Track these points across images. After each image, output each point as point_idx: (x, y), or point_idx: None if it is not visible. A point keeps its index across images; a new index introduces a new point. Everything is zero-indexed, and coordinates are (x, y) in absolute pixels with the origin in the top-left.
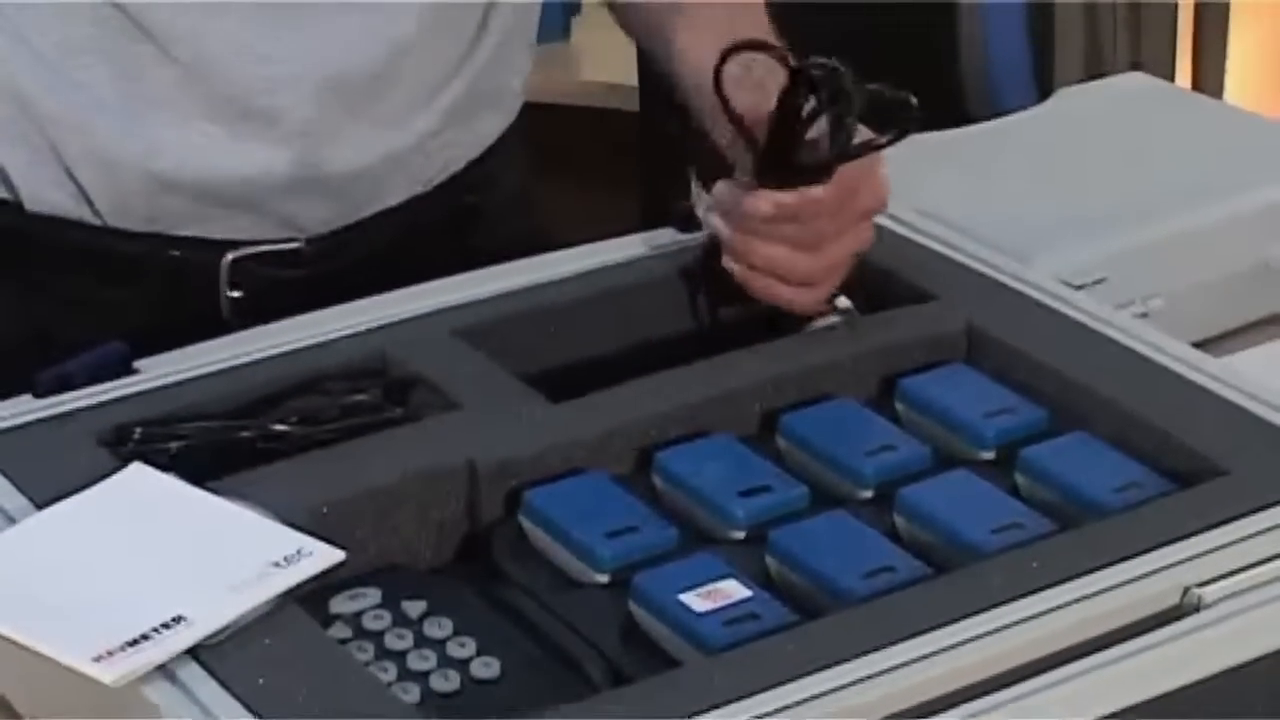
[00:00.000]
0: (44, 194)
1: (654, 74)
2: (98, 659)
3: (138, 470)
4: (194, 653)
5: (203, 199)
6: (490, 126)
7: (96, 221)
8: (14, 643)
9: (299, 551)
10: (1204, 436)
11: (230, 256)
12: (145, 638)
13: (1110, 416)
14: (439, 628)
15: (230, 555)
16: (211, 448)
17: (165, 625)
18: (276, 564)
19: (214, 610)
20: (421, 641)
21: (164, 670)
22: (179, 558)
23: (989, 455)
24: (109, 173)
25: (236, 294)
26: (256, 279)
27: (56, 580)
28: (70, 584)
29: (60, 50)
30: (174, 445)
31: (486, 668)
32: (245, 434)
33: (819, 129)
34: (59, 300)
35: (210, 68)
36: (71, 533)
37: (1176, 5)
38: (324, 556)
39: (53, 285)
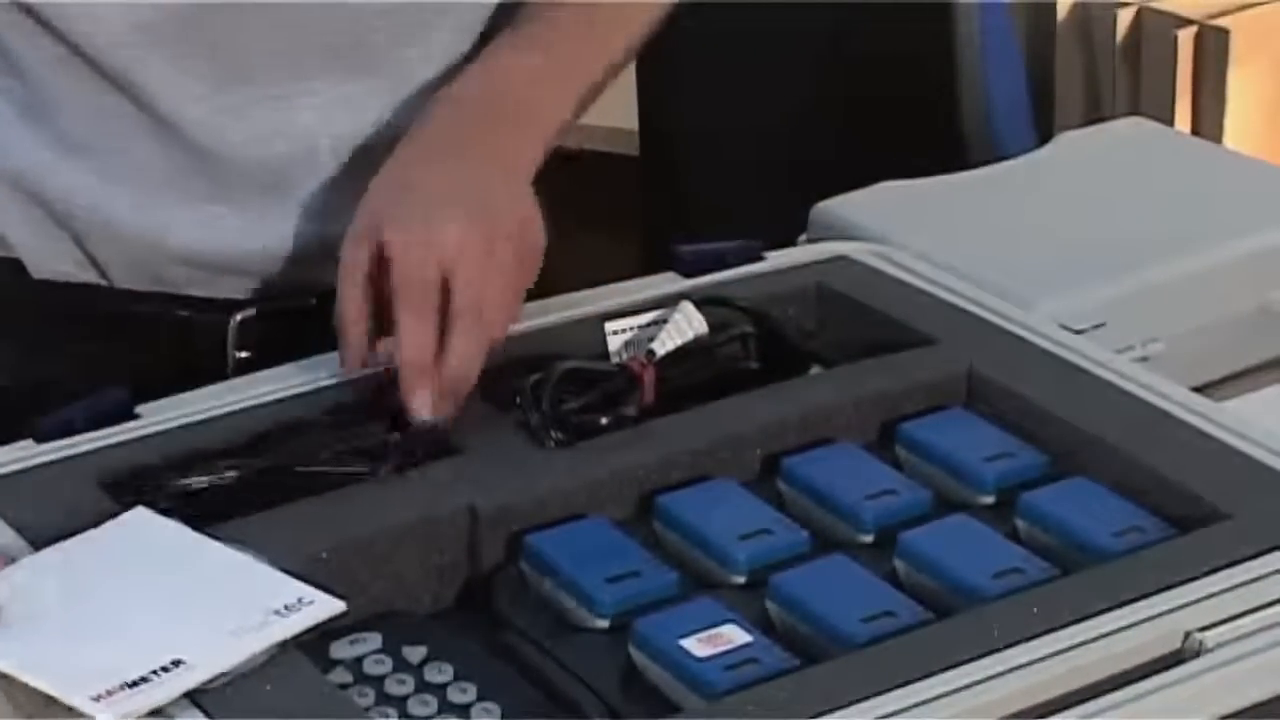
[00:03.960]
0: (50, 263)
1: (653, 119)
2: (97, 698)
3: (140, 514)
4: (194, 698)
5: (212, 269)
6: None
7: (102, 282)
8: (14, 680)
9: (300, 600)
10: (1205, 481)
11: (239, 317)
12: (145, 680)
13: (1110, 461)
14: (439, 673)
15: (231, 601)
16: (213, 491)
17: (165, 668)
18: (277, 612)
19: (213, 655)
20: (422, 687)
21: (163, 714)
22: (180, 601)
23: (989, 500)
24: (119, 245)
25: (244, 354)
26: (265, 339)
27: (57, 618)
28: (70, 623)
29: (69, 141)
30: (174, 488)
31: (487, 713)
32: (244, 477)
33: None
34: (61, 360)
35: (224, 150)
36: (72, 572)
37: (1176, 49)
38: (325, 607)
39: (55, 344)
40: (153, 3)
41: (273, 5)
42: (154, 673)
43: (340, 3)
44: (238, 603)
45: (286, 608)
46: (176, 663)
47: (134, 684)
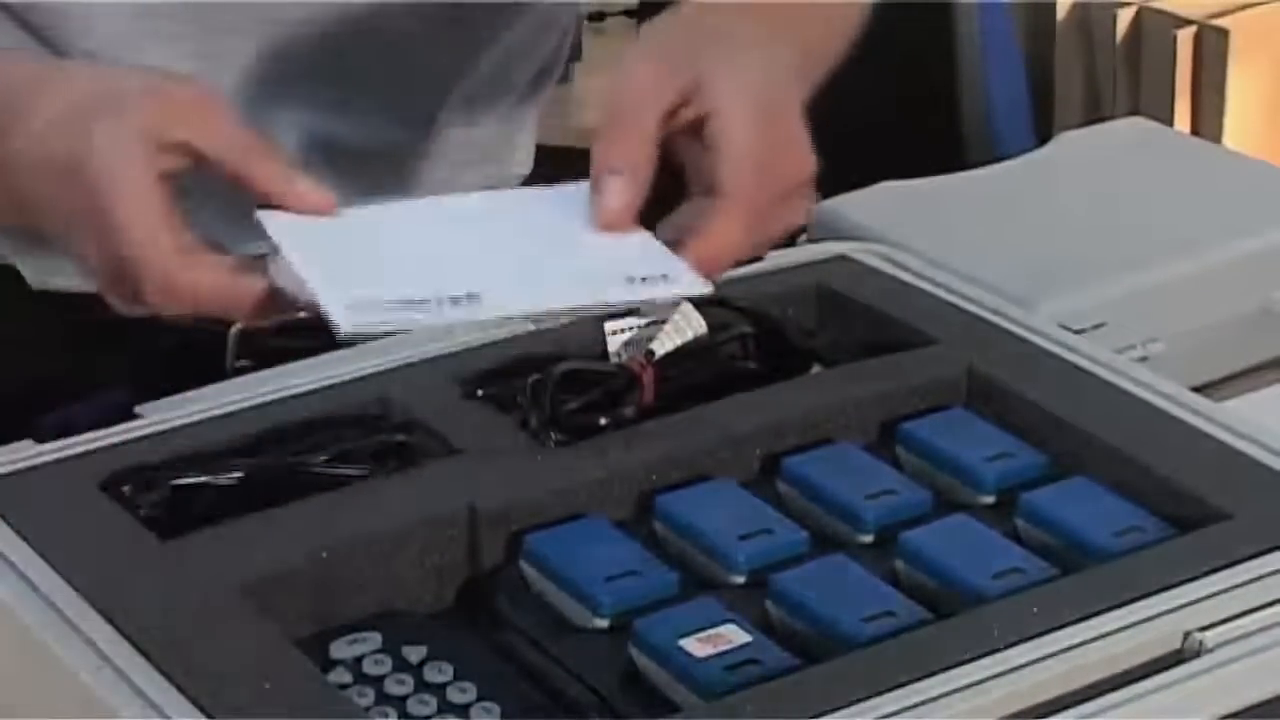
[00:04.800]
0: (46, 277)
1: None
2: (350, 306)
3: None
4: (187, 693)
5: None
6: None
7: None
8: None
9: (664, 275)
10: (1205, 481)
11: (237, 327)
12: (421, 302)
13: (1111, 461)
14: (439, 673)
15: (588, 256)
16: (213, 491)
17: (453, 298)
18: (630, 278)
19: (517, 297)
20: (421, 687)
21: (153, 706)
22: (511, 241)
23: (989, 500)
24: None
25: (244, 363)
26: (265, 349)
27: (384, 244)
28: (381, 247)
29: None
30: (174, 488)
31: (486, 713)
32: (244, 477)
33: None
34: (61, 361)
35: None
36: (440, 219)
37: (1175, 49)
38: (687, 284)
39: (54, 349)
40: (135, 4)
41: (257, 7)
42: (437, 299)
43: (337, 4)
44: (595, 258)
45: (644, 278)
46: (470, 296)
47: (407, 303)
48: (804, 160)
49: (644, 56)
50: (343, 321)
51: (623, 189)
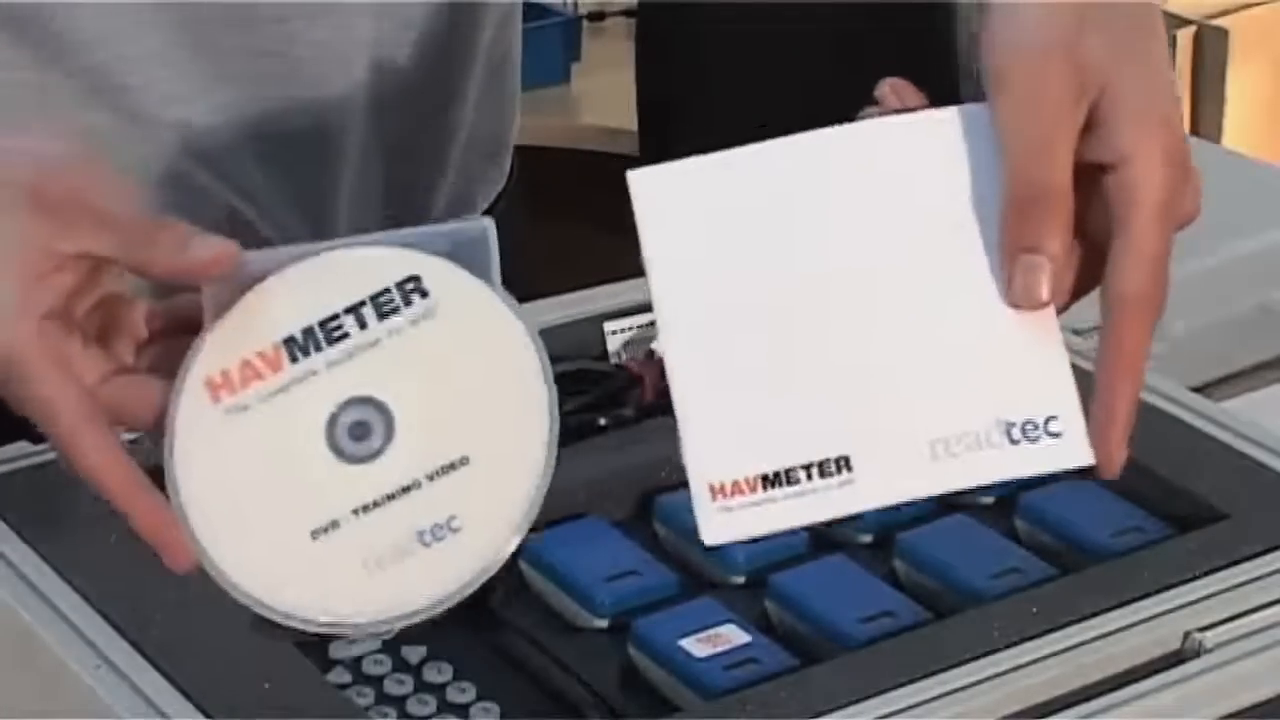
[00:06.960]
0: None
1: (653, 119)
2: (718, 491)
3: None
4: (187, 693)
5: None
6: (490, 187)
7: None
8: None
9: (1044, 423)
10: (1204, 481)
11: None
12: (788, 478)
13: None
14: (439, 673)
15: (960, 388)
16: None
17: (823, 468)
18: (1011, 430)
19: (892, 473)
20: (421, 687)
21: (153, 706)
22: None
23: (989, 500)
24: None
25: None
26: None
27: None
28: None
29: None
30: None
31: (486, 713)
32: None
33: None
34: None
35: (230, 152)
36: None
37: (1175, 49)
38: (1069, 453)
39: None
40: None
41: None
42: (805, 469)
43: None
44: (970, 393)
45: (1025, 429)
46: (840, 463)
47: (772, 480)
48: (1197, 197)
49: (1052, 47)
50: (706, 528)
51: (1053, 278)
